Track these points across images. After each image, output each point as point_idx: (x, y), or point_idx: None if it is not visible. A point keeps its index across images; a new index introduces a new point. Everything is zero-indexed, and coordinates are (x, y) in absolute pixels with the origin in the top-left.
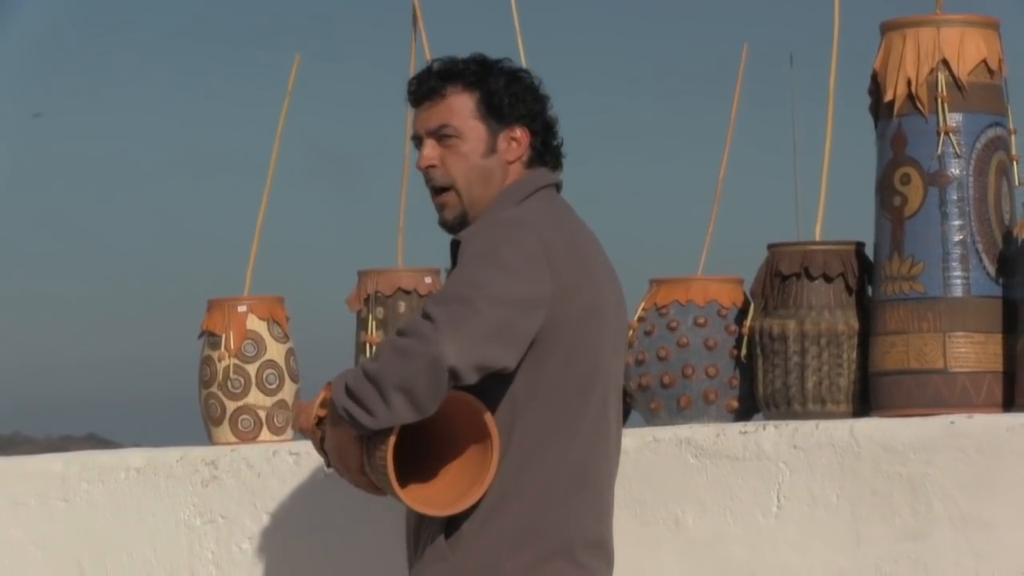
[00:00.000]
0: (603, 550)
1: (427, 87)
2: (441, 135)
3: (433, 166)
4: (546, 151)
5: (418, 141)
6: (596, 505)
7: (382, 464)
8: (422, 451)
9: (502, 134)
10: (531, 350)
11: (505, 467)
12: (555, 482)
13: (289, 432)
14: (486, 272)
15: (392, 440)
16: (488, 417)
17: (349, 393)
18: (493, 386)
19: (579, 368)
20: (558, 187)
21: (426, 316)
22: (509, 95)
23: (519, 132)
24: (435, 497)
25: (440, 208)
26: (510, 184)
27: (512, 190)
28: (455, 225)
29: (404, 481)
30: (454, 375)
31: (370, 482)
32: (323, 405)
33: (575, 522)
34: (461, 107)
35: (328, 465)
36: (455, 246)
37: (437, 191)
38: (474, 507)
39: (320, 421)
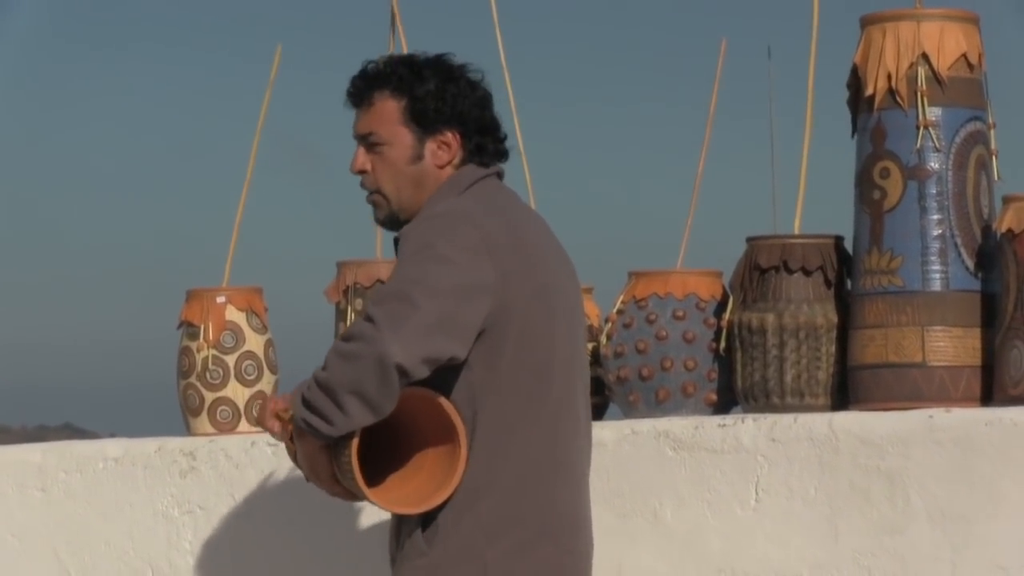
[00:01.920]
0: (585, 532)
1: (358, 92)
2: (370, 142)
3: (363, 171)
4: (481, 152)
5: (356, 141)
6: (571, 488)
7: (348, 468)
8: (393, 452)
9: (429, 140)
10: (483, 340)
11: (475, 458)
12: (527, 469)
13: None
14: (422, 266)
15: (355, 443)
16: (451, 409)
17: (306, 404)
18: (451, 380)
19: (534, 354)
20: (500, 175)
21: (367, 318)
22: (437, 100)
23: (449, 136)
24: (411, 496)
25: (372, 207)
26: (444, 183)
27: (446, 188)
28: (386, 224)
29: (378, 482)
30: (402, 372)
31: (345, 489)
32: (291, 420)
33: (552, 507)
34: (388, 113)
35: (307, 478)
36: (398, 243)
37: (369, 192)
38: (449, 501)
39: (293, 437)
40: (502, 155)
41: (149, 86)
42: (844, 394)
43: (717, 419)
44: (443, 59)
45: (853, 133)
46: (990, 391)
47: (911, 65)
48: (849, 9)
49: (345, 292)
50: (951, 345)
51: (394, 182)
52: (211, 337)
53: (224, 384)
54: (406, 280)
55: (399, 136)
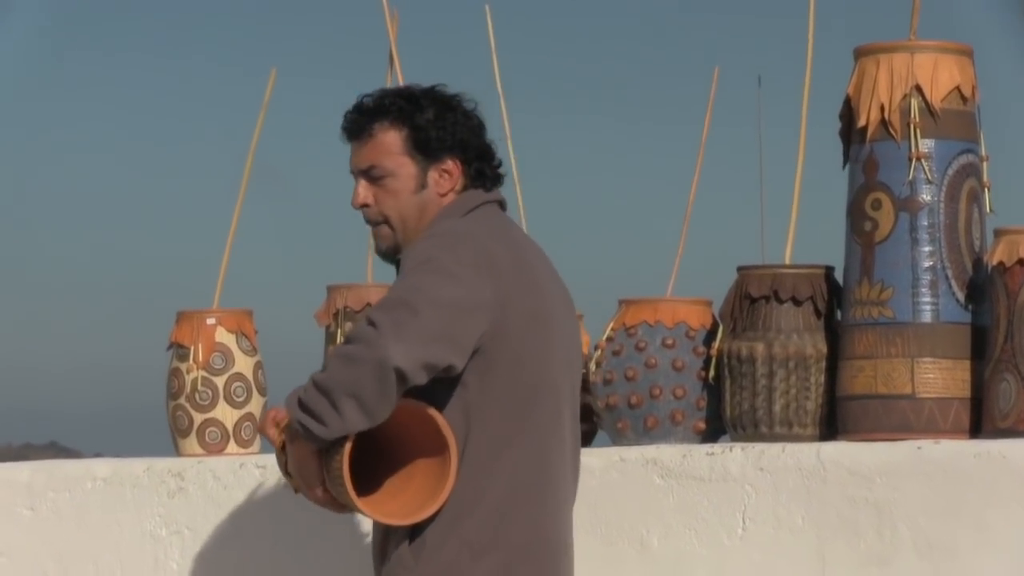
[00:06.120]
0: (567, 558)
1: (356, 125)
2: (372, 175)
3: (366, 205)
4: (481, 177)
5: (354, 175)
6: (555, 513)
7: (338, 474)
8: (383, 463)
9: (432, 168)
10: (479, 358)
11: (463, 475)
12: (514, 489)
13: (256, 444)
14: (426, 277)
15: (347, 448)
16: (444, 424)
17: (302, 406)
18: (446, 397)
19: (527, 376)
20: (502, 205)
21: (369, 322)
22: (437, 128)
23: (450, 163)
24: (399, 508)
25: (376, 238)
26: (447, 205)
27: (450, 210)
28: (388, 254)
29: (367, 494)
30: (401, 376)
31: (332, 498)
32: (286, 426)
33: (535, 530)
34: (389, 145)
35: (296, 490)
36: (399, 265)
37: (373, 224)
38: (436, 517)
39: (284, 446)
40: (498, 179)
41: (139, 104)
42: (832, 424)
43: (705, 447)
44: (437, 89)
45: (845, 164)
46: (979, 423)
47: (904, 97)
48: (843, 40)
49: (335, 316)
50: (940, 377)
51: (399, 212)
52: (201, 359)
53: (213, 405)
54: (409, 289)
55: (402, 166)
